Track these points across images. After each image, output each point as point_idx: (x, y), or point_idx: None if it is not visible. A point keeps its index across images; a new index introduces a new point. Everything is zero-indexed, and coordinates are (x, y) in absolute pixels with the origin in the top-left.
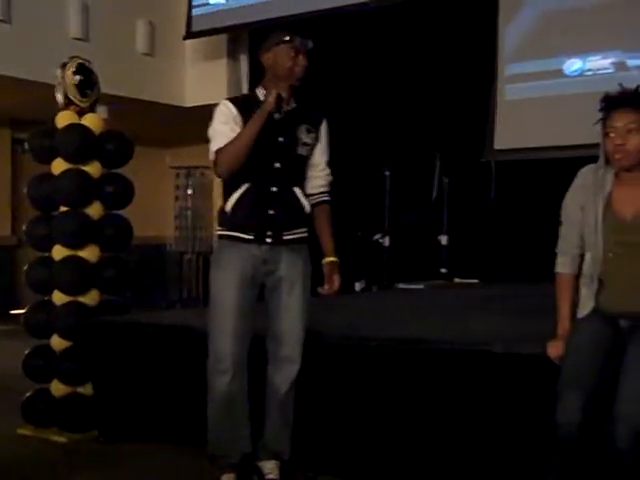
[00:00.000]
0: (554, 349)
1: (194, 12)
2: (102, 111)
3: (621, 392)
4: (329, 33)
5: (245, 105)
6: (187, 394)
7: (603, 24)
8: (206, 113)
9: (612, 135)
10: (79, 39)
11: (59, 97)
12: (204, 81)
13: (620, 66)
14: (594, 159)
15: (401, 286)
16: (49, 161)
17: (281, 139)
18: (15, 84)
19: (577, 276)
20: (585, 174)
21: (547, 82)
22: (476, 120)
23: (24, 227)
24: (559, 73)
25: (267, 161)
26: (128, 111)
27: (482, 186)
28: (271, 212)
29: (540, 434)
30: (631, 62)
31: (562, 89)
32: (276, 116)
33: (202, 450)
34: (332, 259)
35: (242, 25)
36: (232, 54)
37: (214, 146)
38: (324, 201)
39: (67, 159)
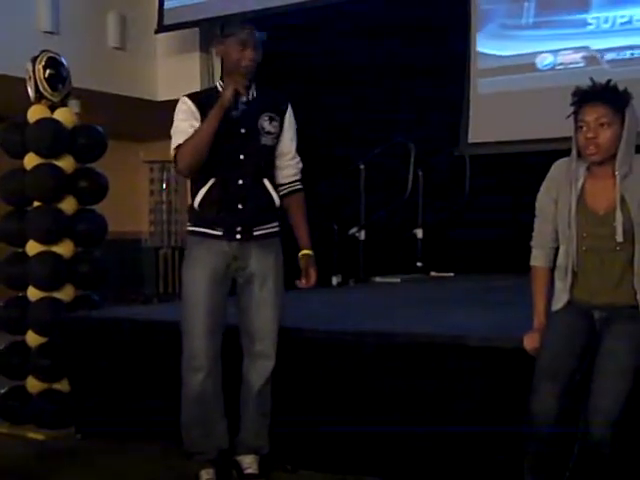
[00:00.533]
0: (530, 341)
1: (166, 5)
2: (74, 105)
3: (596, 384)
4: (302, 25)
5: (205, 100)
6: (164, 390)
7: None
8: None
9: (584, 129)
10: (49, 32)
11: (30, 91)
12: (176, 75)
13: (591, 60)
14: (567, 152)
15: (377, 280)
16: (21, 156)
17: (243, 130)
18: None
19: (552, 269)
20: (558, 167)
21: (520, 76)
22: (451, 113)
23: None
24: (531, 67)
25: (231, 154)
26: (100, 105)
27: (457, 179)
28: (240, 206)
29: (516, 426)
30: (602, 56)
31: (534, 83)
32: (234, 113)
33: (180, 446)
34: (307, 252)
35: (215, 18)
36: (204, 48)
37: (174, 143)
38: (296, 190)
39: (39, 154)
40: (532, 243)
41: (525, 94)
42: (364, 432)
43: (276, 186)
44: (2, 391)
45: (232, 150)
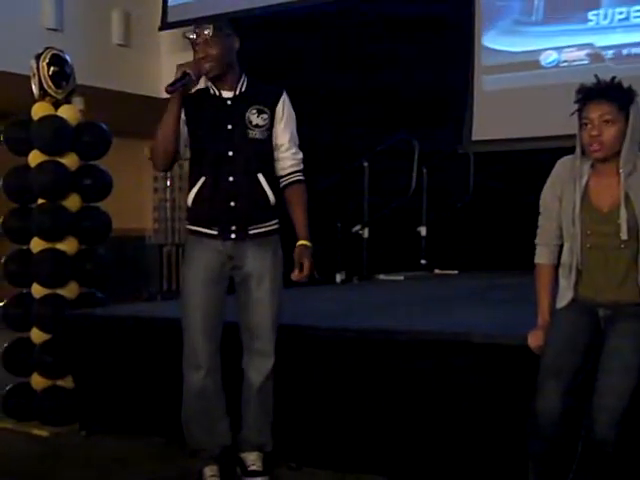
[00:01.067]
0: (534, 339)
1: (170, 2)
2: (78, 102)
3: (600, 382)
4: (305, 20)
5: (194, 98)
6: (167, 386)
7: (580, 15)
8: None
9: (588, 126)
10: (54, 29)
11: (34, 88)
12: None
13: (595, 57)
14: (571, 150)
15: (381, 277)
16: (25, 153)
17: (229, 126)
18: None
19: (556, 266)
20: (562, 165)
21: (524, 73)
22: (455, 110)
23: (1, 220)
24: (536, 64)
25: (220, 151)
26: (104, 102)
27: (461, 177)
28: (232, 204)
29: (521, 424)
30: (606, 53)
31: (538, 80)
32: (228, 102)
33: (184, 443)
34: (303, 243)
35: (219, 15)
36: None
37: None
38: (295, 181)
39: (43, 151)
40: (536, 241)
41: (529, 91)
42: (367, 429)
43: (275, 181)
44: (7, 388)
45: (220, 147)
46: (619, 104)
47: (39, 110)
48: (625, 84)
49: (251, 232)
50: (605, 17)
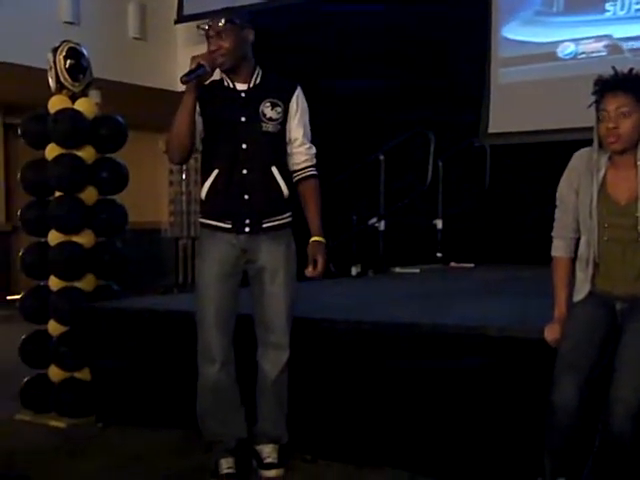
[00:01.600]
0: (551, 332)
1: None
2: (95, 95)
3: (617, 375)
4: (322, 15)
5: (208, 90)
6: (183, 378)
7: (598, 6)
8: None
9: (605, 118)
10: (70, 23)
11: (51, 82)
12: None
13: (613, 49)
14: (589, 142)
15: (397, 270)
16: (42, 146)
17: (243, 118)
18: (6, 69)
19: (573, 259)
20: (579, 157)
21: (541, 65)
22: (471, 103)
23: (18, 213)
24: (553, 56)
25: (233, 143)
26: (121, 96)
27: (477, 169)
28: (246, 197)
29: (537, 418)
30: (624, 45)
31: (556, 72)
32: (242, 95)
33: (200, 435)
34: (316, 239)
35: (234, 8)
36: None
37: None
38: (308, 176)
39: (60, 144)
40: (553, 233)
41: (546, 83)
42: (383, 422)
43: (288, 175)
44: (24, 380)
45: (233, 139)
46: (636, 96)
47: (56, 103)
48: None
49: (265, 225)
50: (622, 8)
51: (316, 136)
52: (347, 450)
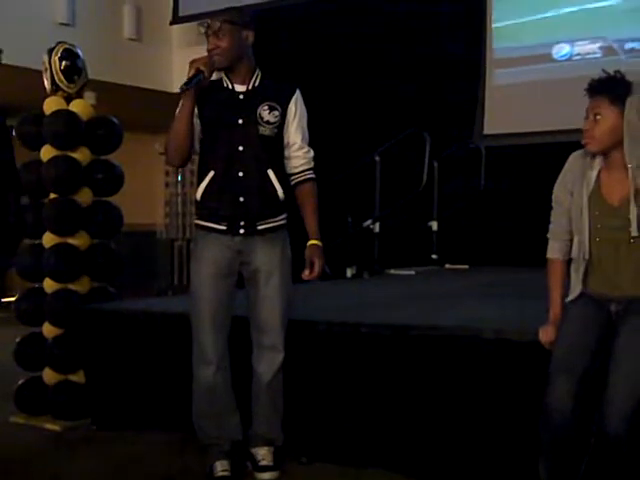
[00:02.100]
0: (545, 334)
1: None
2: (90, 97)
3: (612, 377)
4: (319, 16)
5: (206, 90)
6: (178, 381)
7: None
8: None
9: (584, 120)
10: (65, 24)
11: (46, 83)
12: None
13: (608, 50)
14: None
15: (392, 272)
16: (37, 147)
17: (240, 121)
18: (1, 70)
19: (568, 261)
20: (574, 159)
21: (536, 66)
22: (466, 104)
23: None
24: (548, 57)
25: (229, 145)
26: (116, 97)
27: (472, 171)
28: (241, 199)
29: (532, 420)
30: (619, 46)
31: (551, 73)
32: (240, 97)
33: (195, 437)
34: (314, 242)
35: (232, 8)
36: None
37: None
38: (306, 180)
39: (55, 145)
40: (549, 235)
41: (541, 85)
42: (378, 425)
43: (284, 177)
44: (19, 382)
45: (230, 141)
46: (611, 97)
47: (51, 105)
48: (637, 78)
49: (260, 227)
50: (618, 9)
51: (310, 137)
52: (343, 452)
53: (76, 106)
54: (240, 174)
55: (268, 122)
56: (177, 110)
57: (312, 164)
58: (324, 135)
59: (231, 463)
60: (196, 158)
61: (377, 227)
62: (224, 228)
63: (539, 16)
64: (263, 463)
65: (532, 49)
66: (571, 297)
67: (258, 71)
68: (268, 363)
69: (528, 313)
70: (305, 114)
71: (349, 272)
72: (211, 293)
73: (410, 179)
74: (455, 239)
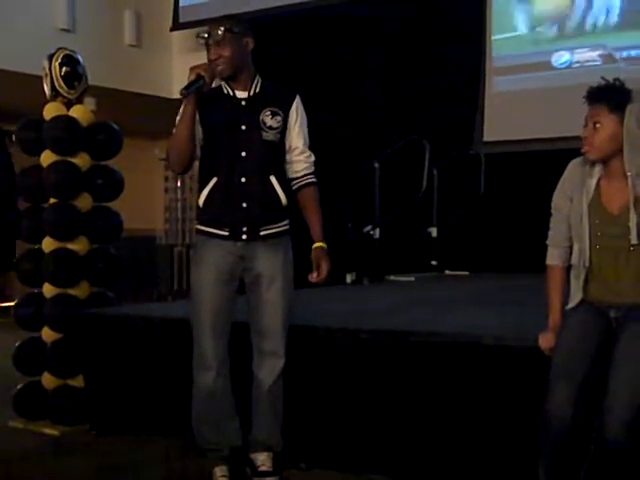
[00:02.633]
0: (545, 341)
1: (181, 3)
2: (90, 103)
3: (611, 383)
4: (319, 22)
5: (207, 97)
6: (178, 386)
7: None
8: None
9: (584, 128)
10: (66, 30)
11: (46, 88)
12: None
13: (608, 58)
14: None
15: (392, 278)
16: (37, 153)
17: (243, 127)
18: (2, 75)
19: (568, 268)
20: (574, 166)
21: (536, 74)
22: (466, 112)
23: None
24: (547, 65)
25: (233, 151)
26: (116, 103)
27: (472, 178)
28: (244, 205)
29: (531, 426)
30: (618, 54)
31: (550, 81)
32: (242, 103)
33: (194, 443)
34: (319, 245)
35: (230, 16)
36: None
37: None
38: (308, 184)
39: (55, 151)
40: (548, 242)
41: (541, 92)
42: (378, 431)
43: (286, 182)
44: (18, 387)
45: (233, 147)
46: (610, 105)
47: (51, 110)
48: (637, 85)
49: (262, 233)
50: (618, 17)
51: (310, 143)
52: (342, 458)
53: (76, 112)
54: (243, 180)
55: (271, 127)
56: (178, 116)
57: (313, 168)
58: (324, 141)
59: (230, 468)
60: (196, 164)
61: (377, 233)
62: (227, 234)
63: (538, 24)
64: (262, 469)
65: (532, 57)
66: (571, 304)
67: (258, 77)
68: (269, 369)
69: (528, 319)
70: (305, 118)
71: (349, 278)
72: (212, 298)
73: (410, 185)
74: (455, 245)
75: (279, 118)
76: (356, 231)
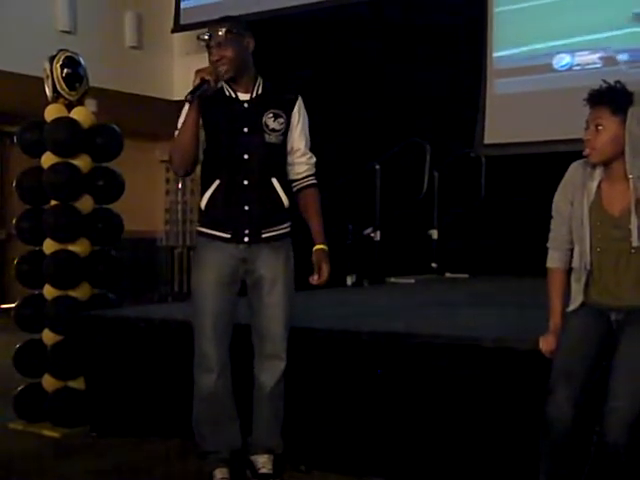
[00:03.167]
0: (546, 343)
1: (182, 5)
2: (91, 104)
3: (612, 386)
4: (319, 25)
5: (209, 100)
6: (178, 388)
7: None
8: None
9: (585, 130)
10: (67, 32)
11: (47, 90)
12: (193, 74)
13: (608, 60)
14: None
15: (392, 280)
16: (38, 155)
17: (246, 129)
18: (3, 77)
19: (569, 270)
20: (574, 169)
21: (537, 76)
22: (467, 114)
23: (14, 221)
24: (548, 67)
25: (235, 154)
26: (117, 104)
27: (472, 180)
28: (246, 208)
29: (532, 429)
30: (620, 56)
31: (551, 83)
32: (244, 105)
33: (194, 445)
34: (320, 247)
35: (231, 17)
36: None
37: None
38: (308, 185)
39: (56, 152)
40: (549, 244)
41: (542, 95)
42: (378, 433)
43: (287, 184)
44: (18, 389)
45: (235, 150)
46: (612, 108)
47: (52, 112)
48: (638, 88)
49: (264, 235)
50: (619, 20)
51: (311, 145)
52: (343, 461)
53: (77, 113)
54: (245, 182)
55: (273, 130)
56: (180, 120)
57: (314, 170)
58: (325, 143)
59: (230, 471)
60: (198, 166)
61: (377, 235)
62: (229, 236)
63: (540, 26)
64: (263, 471)
65: (532, 59)
66: (572, 307)
67: (260, 79)
68: (270, 372)
69: (528, 322)
70: (307, 120)
71: (349, 280)
72: (213, 300)
73: (410, 188)
74: (455, 248)
75: (281, 120)
76: (356, 233)
